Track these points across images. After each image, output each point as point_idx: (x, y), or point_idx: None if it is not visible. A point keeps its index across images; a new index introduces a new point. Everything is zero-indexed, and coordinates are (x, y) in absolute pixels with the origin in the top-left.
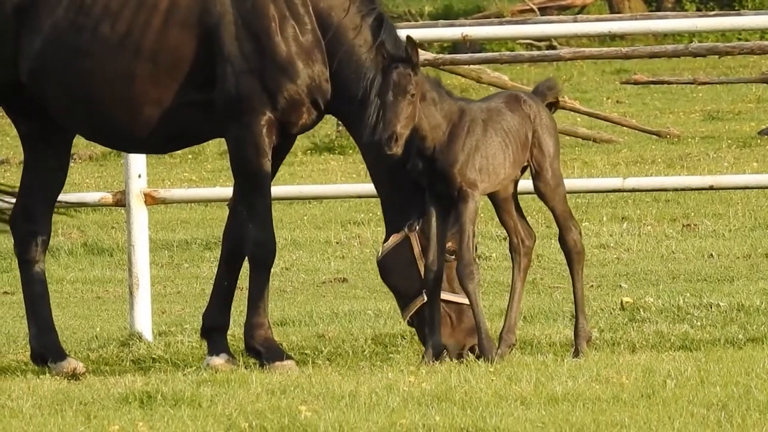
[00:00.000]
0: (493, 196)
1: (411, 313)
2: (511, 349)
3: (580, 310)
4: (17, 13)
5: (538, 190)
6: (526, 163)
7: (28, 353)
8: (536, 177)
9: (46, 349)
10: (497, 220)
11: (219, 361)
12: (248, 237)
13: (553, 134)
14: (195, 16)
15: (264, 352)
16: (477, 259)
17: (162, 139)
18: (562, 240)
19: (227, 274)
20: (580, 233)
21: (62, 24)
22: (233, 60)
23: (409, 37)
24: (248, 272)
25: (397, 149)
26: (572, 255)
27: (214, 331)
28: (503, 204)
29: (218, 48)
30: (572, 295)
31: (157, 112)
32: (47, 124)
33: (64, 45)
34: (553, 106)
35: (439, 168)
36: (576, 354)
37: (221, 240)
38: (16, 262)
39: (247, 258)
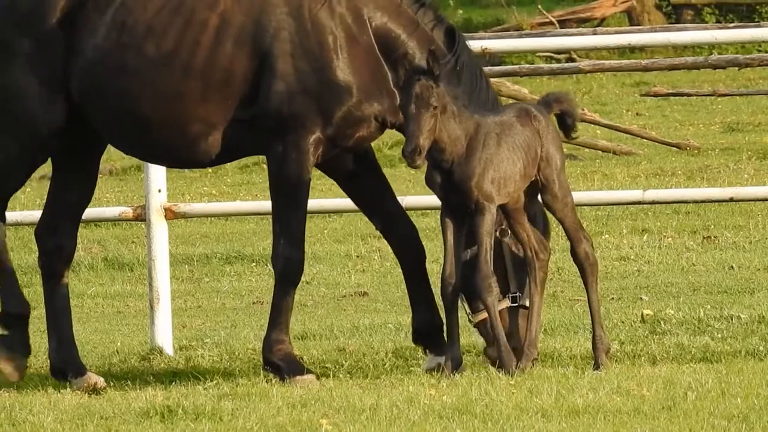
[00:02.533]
0: (504, 208)
1: (484, 317)
2: (533, 363)
3: (597, 322)
4: (65, 34)
5: (546, 203)
6: (534, 177)
7: (48, 367)
8: (544, 190)
9: (66, 364)
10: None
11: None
12: (278, 252)
13: (559, 147)
14: (248, 33)
15: (284, 366)
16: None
17: (206, 155)
18: (574, 253)
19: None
20: (592, 245)
21: (105, 44)
22: (287, 78)
23: (430, 50)
24: (273, 287)
25: (420, 162)
26: (585, 267)
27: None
28: (515, 215)
29: (271, 65)
30: (588, 308)
31: (203, 129)
32: (79, 140)
33: (107, 65)
34: (570, 118)
35: (456, 181)
36: (596, 366)
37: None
38: (39, 275)
39: (273, 272)
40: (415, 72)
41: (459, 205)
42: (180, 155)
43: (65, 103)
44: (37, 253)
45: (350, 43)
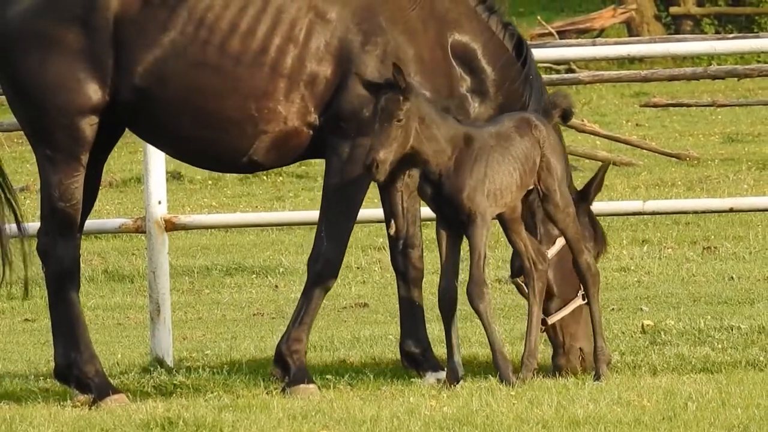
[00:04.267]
0: (501, 218)
1: (562, 316)
2: (533, 374)
3: (599, 333)
4: (117, 27)
5: (547, 213)
6: (532, 186)
7: (50, 380)
8: (545, 200)
9: (70, 365)
10: (503, 240)
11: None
12: (318, 252)
13: (561, 156)
14: (339, 36)
15: (293, 368)
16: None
17: (273, 157)
18: (575, 263)
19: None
20: (594, 256)
21: (180, 40)
22: None
23: (395, 63)
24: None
25: (380, 176)
26: (587, 278)
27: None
28: (511, 225)
29: (358, 68)
30: (590, 318)
31: (279, 129)
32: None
33: (182, 61)
34: (568, 116)
35: (447, 194)
36: (597, 377)
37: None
38: (40, 287)
39: (307, 272)
40: (383, 86)
41: (452, 216)
42: (240, 157)
43: (107, 99)
44: (42, 263)
45: (432, 50)
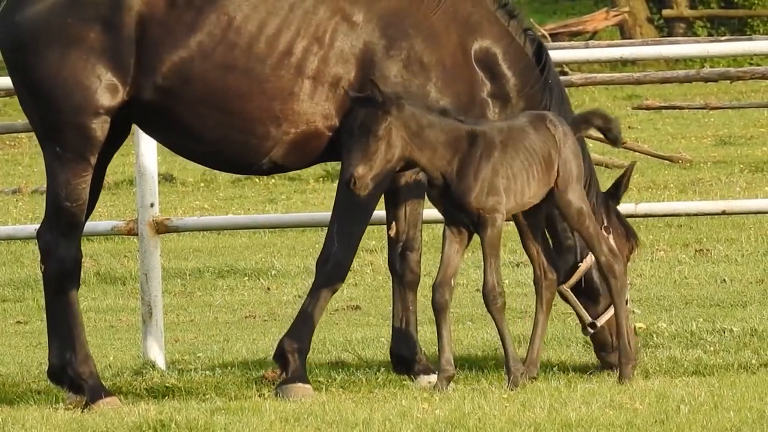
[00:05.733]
0: (517, 223)
1: (604, 321)
2: (532, 381)
3: (623, 334)
4: (141, 27)
5: (562, 213)
6: (552, 183)
7: (42, 383)
8: (560, 199)
9: (64, 366)
10: (509, 246)
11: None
12: (329, 253)
13: (577, 156)
14: (364, 39)
15: (292, 366)
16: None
17: (293, 159)
18: (597, 263)
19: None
20: (616, 257)
21: (207, 40)
22: (396, 87)
23: (371, 80)
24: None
25: (360, 191)
26: (608, 278)
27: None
28: (526, 231)
29: (382, 72)
30: (615, 319)
31: (303, 130)
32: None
33: (209, 61)
34: (609, 133)
35: (454, 197)
36: (621, 379)
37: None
38: (33, 288)
39: (316, 273)
40: (365, 100)
41: (462, 219)
42: (261, 158)
43: (125, 99)
44: (42, 263)
45: (454, 55)
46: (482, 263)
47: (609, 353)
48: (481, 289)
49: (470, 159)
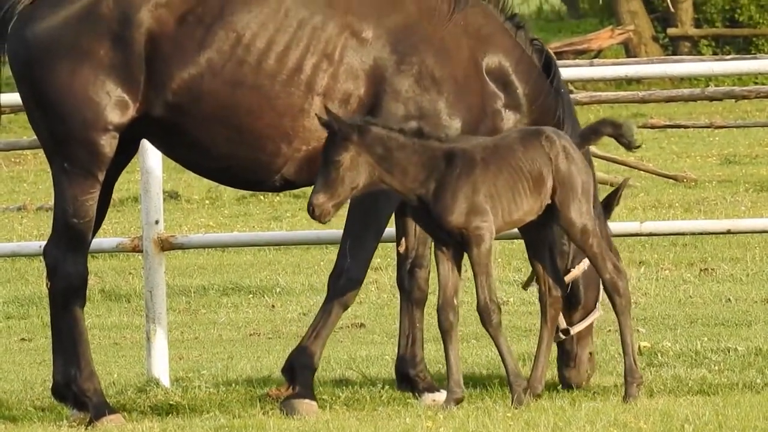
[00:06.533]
0: (524, 237)
1: (587, 325)
2: (537, 399)
3: (628, 353)
4: (151, 44)
5: (564, 230)
6: (549, 201)
7: (46, 400)
8: (560, 216)
9: (69, 383)
10: (514, 264)
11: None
12: (342, 269)
13: (581, 171)
14: (375, 55)
15: (300, 379)
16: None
17: (304, 175)
18: (603, 282)
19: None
20: (621, 274)
21: (217, 57)
22: (408, 102)
23: (325, 106)
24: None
25: (320, 219)
26: (613, 296)
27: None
28: (531, 247)
29: (394, 88)
30: (620, 337)
31: (315, 147)
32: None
33: (219, 78)
34: (623, 138)
35: (433, 218)
36: (626, 397)
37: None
38: (39, 305)
39: (328, 287)
40: (329, 127)
41: (448, 239)
42: (272, 175)
43: (135, 115)
44: (48, 279)
45: (466, 69)
46: (474, 282)
47: (569, 367)
48: (485, 309)
49: (448, 179)
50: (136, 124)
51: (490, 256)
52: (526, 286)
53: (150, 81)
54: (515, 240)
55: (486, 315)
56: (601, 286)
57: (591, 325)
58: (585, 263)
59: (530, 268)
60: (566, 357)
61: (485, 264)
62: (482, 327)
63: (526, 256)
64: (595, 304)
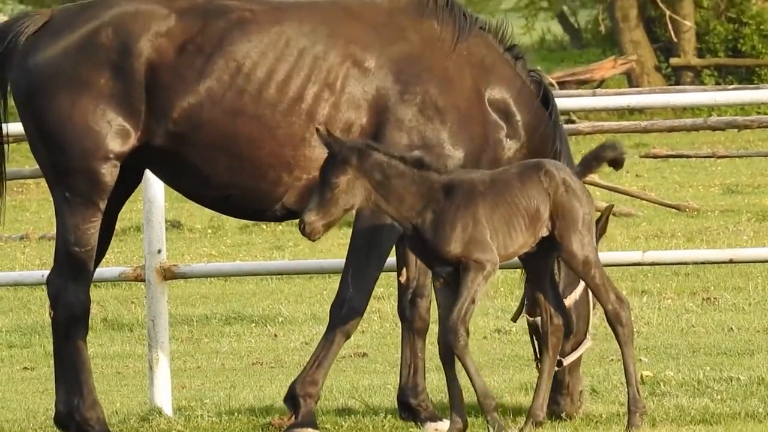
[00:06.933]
0: (525, 267)
1: (578, 355)
2: (538, 427)
3: (632, 383)
4: (151, 73)
5: (566, 263)
6: (547, 233)
7: (49, 429)
8: (561, 249)
9: (71, 412)
10: (516, 293)
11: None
12: (344, 299)
13: (583, 203)
14: (378, 84)
15: (302, 409)
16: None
17: (306, 204)
18: (605, 313)
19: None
20: (623, 304)
21: (217, 86)
22: (411, 132)
23: (323, 127)
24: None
25: (311, 238)
26: (615, 327)
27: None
28: (532, 276)
29: (397, 117)
30: (623, 368)
31: (314, 175)
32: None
33: (219, 107)
34: (617, 163)
35: (428, 248)
36: (629, 427)
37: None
38: (43, 334)
39: (329, 316)
40: (331, 148)
41: (442, 268)
42: (273, 204)
43: (136, 144)
44: (51, 308)
45: (468, 98)
46: (456, 300)
47: (561, 395)
48: (453, 329)
49: (445, 210)
50: (137, 154)
51: (482, 286)
52: (515, 318)
53: (150, 110)
54: (518, 269)
55: (453, 335)
56: (592, 317)
57: (581, 356)
58: (576, 293)
59: (519, 300)
60: (559, 387)
61: (474, 291)
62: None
63: (522, 286)
64: (586, 335)
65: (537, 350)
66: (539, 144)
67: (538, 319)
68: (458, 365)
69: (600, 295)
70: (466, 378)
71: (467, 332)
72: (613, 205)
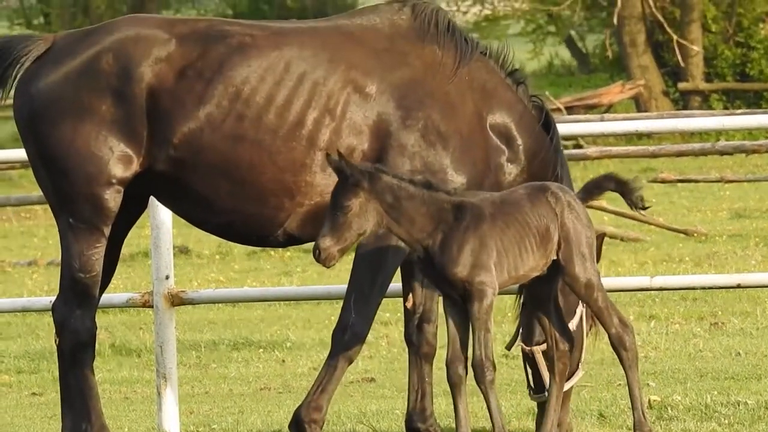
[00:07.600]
0: (527, 293)
1: (571, 385)
2: None
3: (637, 407)
4: (152, 99)
5: (568, 285)
6: (555, 257)
7: None
8: (565, 272)
9: None
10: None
11: None
12: (346, 324)
13: (586, 227)
14: (380, 110)
15: None
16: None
17: (309, 230)
18: (609, 337)
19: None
20: (627, 328)
21: (217, 111)
22: (414, 157)
23: (337, 151)
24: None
25: (326, 263)
26: (620, 351)
27: None
28: (537, 302)
29: (400, 143)
30: (628, 391)
31: (317, 202)
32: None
33: (219, 133)
34: (628, 195)
35: (437, 270)
36: None
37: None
38: (51, 360)
39: (332, 341)
40: (341, 172)
41: (451, 292)
42: (276, 230)
43: (138, 170)
44: (57, 335)
45: (470, 123)
46: (472, 337)
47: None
48: (479, 365)
49: (455, 231)
50: (140, 179)
51: (490, 312)
52: (509, 346)
53: (152, 135)
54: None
55: (480, 371)
56: (584, 347)
57: (572, 388)
58: (573, 323)
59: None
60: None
61: (485, 320)
62: (474, 383)
63: (518, 314)
64: (578, 365)
65: (530, 379)
66: (540, 169)
67: (535, 347)
68: (469, 389)
69: (603, 318)
70: (474, 403)
71: (494, 366)
72: (605, 234)
